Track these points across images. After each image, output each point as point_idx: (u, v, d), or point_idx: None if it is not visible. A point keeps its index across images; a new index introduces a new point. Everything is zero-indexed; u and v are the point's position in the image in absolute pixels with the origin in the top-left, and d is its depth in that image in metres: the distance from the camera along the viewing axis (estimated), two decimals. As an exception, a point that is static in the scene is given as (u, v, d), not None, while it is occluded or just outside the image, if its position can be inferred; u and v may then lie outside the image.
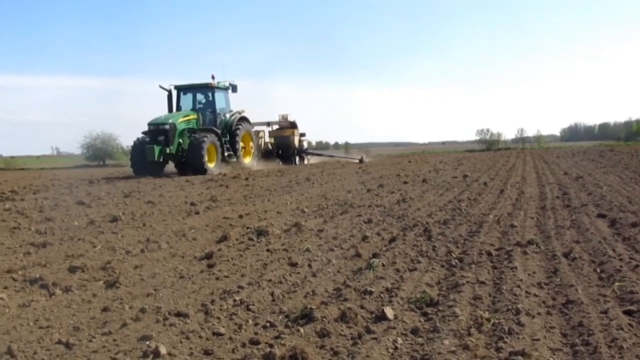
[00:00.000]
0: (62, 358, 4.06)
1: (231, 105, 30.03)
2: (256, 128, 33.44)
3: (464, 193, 14.02)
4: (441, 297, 5.27)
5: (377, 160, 39.29)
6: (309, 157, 36.56)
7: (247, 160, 30.28)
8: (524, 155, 39.67)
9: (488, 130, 75.98)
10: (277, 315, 4.87)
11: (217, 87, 28.82)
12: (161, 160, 25.54)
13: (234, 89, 29.52)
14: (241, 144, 29.40)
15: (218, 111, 28.53)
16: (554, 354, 3.92)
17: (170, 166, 27.48)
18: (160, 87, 28.13)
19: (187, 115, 27.18)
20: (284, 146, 34.32)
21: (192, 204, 12.83)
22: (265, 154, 33.66)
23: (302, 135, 35.56)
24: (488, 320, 4.49)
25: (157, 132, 25.71)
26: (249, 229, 9.30)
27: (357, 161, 35.53)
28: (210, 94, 28.97)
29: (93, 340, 4.40)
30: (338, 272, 6.41)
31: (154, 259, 7.35)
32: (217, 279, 6.29)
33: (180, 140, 26.00)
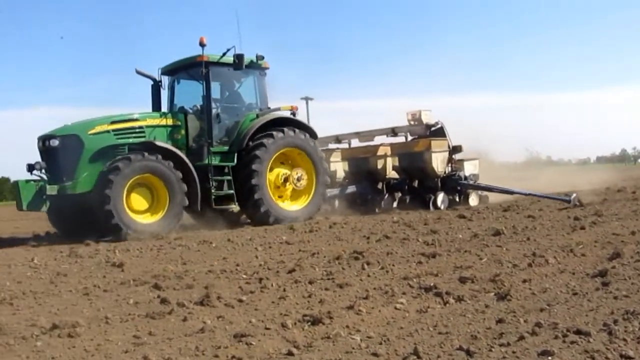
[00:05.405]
0: (466, 364, 4.18)
1: (268, 97, 16.01)
2: (378, 139, 19.75)
3: None
4: None
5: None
6: (479, 192, 18.72)
7: (295, 205, 15.81)
8: None
9: None
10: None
11: (214, 63, 15.06)
12: (44, 209, 12.93)
13: (238, 62, 14.65)
14: (278, 173, 15.45)
15: (218, 109, 15.20)
16: None
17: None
18: (138, 72, 16.16)
19: (130, 121, 14.16)
20: (414, 172, 18.36)
21: (576, 218, 12.22)
22: (394, 187, 18.60)
23: (456, 151, 18.60)
24: None
25: (42, 153, 13.78)
26: (645, 247, 8.48)
27: (565, 203, 15.39)
28: (203, 78, 14.90)
29: (492, 350, 4.44)
30: None
31: (542, 274, 7.16)
32: (615, 298, 5.82)
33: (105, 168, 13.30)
